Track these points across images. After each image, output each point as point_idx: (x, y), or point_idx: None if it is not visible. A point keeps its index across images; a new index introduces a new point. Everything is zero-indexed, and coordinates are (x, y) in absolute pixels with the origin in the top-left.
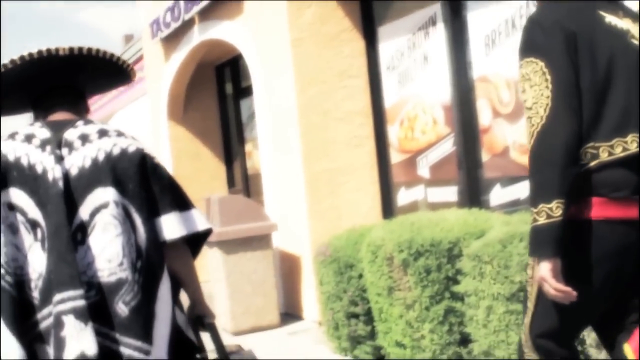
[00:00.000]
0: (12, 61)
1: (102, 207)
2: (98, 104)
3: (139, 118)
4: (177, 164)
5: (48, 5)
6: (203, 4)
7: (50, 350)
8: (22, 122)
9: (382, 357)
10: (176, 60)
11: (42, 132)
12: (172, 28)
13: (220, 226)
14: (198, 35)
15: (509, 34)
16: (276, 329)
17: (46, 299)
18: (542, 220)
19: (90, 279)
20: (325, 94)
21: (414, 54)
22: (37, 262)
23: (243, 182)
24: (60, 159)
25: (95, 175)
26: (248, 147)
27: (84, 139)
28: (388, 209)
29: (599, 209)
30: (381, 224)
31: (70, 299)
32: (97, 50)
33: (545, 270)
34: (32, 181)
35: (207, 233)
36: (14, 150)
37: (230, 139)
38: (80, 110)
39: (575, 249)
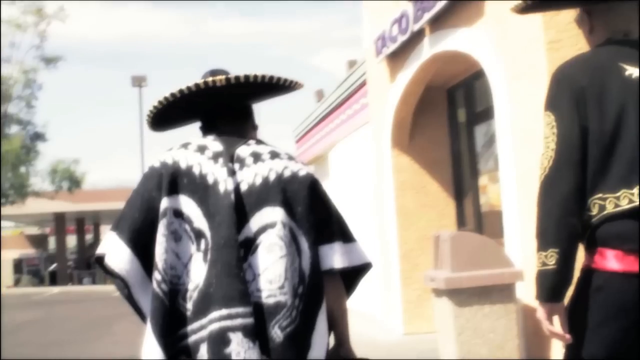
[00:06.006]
0: (180, 90)
1: (268, 226)
2: (319, 135)
3: (360, 148)
4: (399, 197)
5: (283, 50)
6: (435, 9)
7: None
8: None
9: None
10: (403, 80)
11: (215, 145)
12: (399, 42)
13: (451, 271)
14: (429, 49)
15: None
16: None
17: (200, 311)
18: (539, 267)
19: None
20: None
21: None
22: (196, 273)
23: (475, 220)
24: (232, 173)
25: (265, 193)
26: (482, 181)
27: (256, 157)
28: None
29: (606, 261)
30: None
31: (239, 316)
32: (255, 76)
33: (540, 312)
34: (202, 190)
35: (366, 270)
36: (186, 159)
37: (461, 171)
38: (247, 129)
39: (585, 298)
